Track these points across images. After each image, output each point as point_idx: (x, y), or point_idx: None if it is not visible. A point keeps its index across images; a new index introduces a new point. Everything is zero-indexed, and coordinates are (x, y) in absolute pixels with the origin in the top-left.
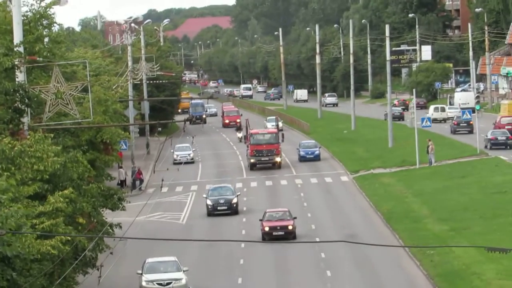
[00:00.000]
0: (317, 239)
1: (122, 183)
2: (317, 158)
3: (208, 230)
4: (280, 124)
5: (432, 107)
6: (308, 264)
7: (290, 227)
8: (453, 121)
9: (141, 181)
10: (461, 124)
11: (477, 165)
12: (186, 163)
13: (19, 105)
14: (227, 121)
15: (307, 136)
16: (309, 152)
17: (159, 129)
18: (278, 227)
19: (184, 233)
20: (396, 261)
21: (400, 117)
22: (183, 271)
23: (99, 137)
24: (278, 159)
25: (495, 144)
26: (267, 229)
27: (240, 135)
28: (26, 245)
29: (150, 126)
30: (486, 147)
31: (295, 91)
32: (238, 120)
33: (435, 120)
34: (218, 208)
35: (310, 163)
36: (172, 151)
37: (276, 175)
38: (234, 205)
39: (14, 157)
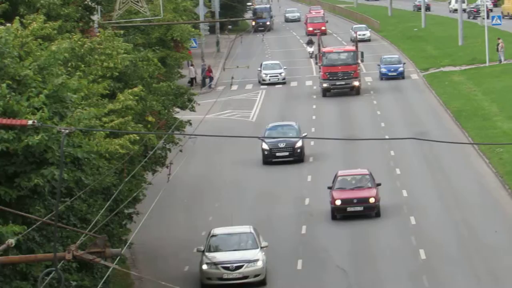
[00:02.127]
0: (387, 136)
1: (192, 80)
2: (400, 75)
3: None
4: (368, 33)
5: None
6: (378, 162)
7: (371, 200)
8: None
9: (211, 78)
10: None
11: None
12: (276, 83)
13: (90, 3)
14: (310, 28)
15: (378, 33)
16: (392, 69)
17: (230, 26)
18: (355, 200)
19: (254, 131)
20: (465, 159)
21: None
22: (261, 247)
23: (169, 35)
24: (356, 83)
25: None
26: (338, 202)
27: (311, 49)
28: (94, 144)
29: (220, 23)
30: None
31: None
32: (323, 28)
33: (506, 16)
34: (277, 154)
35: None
36: (259, 69)
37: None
38: (298, 150)
39: (84, 54)
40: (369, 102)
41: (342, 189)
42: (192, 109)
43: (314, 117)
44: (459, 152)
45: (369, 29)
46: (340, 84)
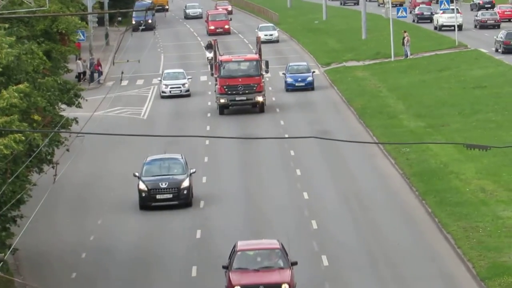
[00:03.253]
0: (286, 135)
1: (80, 75)
2: (309, 86)
3: (171, 126)
4: (275, 33)
5: None
6: (277, 163)
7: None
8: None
9: (100, 73)
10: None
11: (456, 58)
12: (178, 96)
13: None
14: (212, 27)
15: (277, 26)
16: (299, 79)
17: (119, 18)
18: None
19: (146, 129)
20: (369, 159)
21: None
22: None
23: (55, 27)
24: (260, 98)
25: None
26: None
27: (210, 55)
28: None
29: (109, 15)
30: (497, 50)
31: None
32: (226, 26)
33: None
34: (157, 196)
35: (277, 56)
36: (159, 79)
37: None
38: (185, 192)
39: None
40: (275, 120)
41: (243, 270)
42: (79, 106)
43: (207, 142)
44: (363, 152)
45: (277, 29)
46: (240, 99)
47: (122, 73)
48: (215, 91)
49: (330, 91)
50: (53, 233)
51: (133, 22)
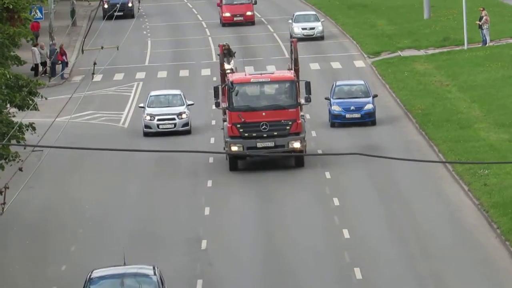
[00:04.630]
0: (319, 151)
1: (37, 67)
2: (369, 119)
3: (159, 136)
4: (319, 26)
5: None
6: (307, 189)
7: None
8: None
9: (64, 64)
10: None
11: None
12: (171, 133)
13: None
14: (227, 14)
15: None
16: (352, 107)
17: None
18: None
19: (126, 141)
20: (434, 185)
21: None
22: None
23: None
24: (297, 144)
25: None
26: None
27: (228, 66)
28: None
29: None
30: None
31: None
32: (249, 13)
33: None
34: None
35: (311, 42)
36: (141, 106)
37: (261, 58)
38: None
39: None
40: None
41: None
42: (35, 108)
43: (211, 160)
44: (425, 174)
45: (322, 19)
46: (265, 146)
47: (95, 64)
48: (222, 129)
49: (379, 91)
50: (1, 284)
51: (105, 5)
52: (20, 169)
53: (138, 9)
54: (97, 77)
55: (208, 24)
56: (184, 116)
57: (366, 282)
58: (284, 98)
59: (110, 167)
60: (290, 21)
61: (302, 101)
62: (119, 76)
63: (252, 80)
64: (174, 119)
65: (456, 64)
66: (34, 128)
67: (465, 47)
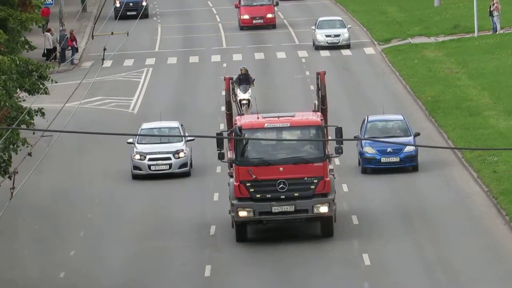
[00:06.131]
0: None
1: (49, 53)
2: (410, 164)
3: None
4: (346, 33)
5: None
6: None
7: None
8: None
9: (74, 50)
10: None
11: None
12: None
13: None
14: (246, 16)
15: None
16: (388, 150)
17: None
18: None
19: (136, 126)
20: (443, 172)
21: None
22: None
23: None
24: (324, 208)
25: None
26: None
27: (245, 95)
28: None
29: None
30: None
31: None
32: (269, 15)
33: None
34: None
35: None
36: (130, 141)
37: (272, 44)
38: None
39: None
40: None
41: None
42: (46, 92)
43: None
44: (434, 161)
45: (349, 25)
46: (283, 210)
47: (105, 50)
48: (228, 184)
49: (389, 78)
50: (10, 267)
51: (116, 4)
52: (29, 154)
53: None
54: (107, 63)
55: (219, 11)
56: (182, 154)
57: (374, 267)
58: (308, 149)
59: (119, 152)
60: (313, 27)
61: (331, 152)
62: (129, 62)
63: (266, 125)
64: (169, 158)
65: (466, 51)
66: (43, 114)
67: (475, 34)
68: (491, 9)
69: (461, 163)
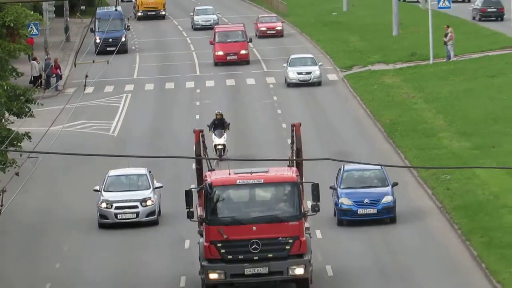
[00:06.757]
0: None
1: (35, 80)
2: (388, 215)
3: (147, 144)
4: (317, 71)
5: None
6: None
7: None
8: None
9: (58, 77)
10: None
11: None
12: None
13: None
14: (220, 52)
15: (284, 18)
16: (366, 200)
17: (82, 7)
18: None
19: (116, 148)
20: (400, 189)
21: None
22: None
23: (0, 18)
24: (300, 270)
25: None
26: None
27: (219, 140)
28: None
29: (70, 3)
30: None
31: None
32: (243, 52)
33: None
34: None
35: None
36: (97, 189)
37: (241, 72)
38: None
39: None
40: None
41: None
42: (32, 115)
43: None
44: (391, 179)
45: (320, 63)
46: (255, 272)
47: (87, 77)
48: (198, 243)
49: (350, 102)
50: None
51: (96, 40)
52: (17, 174)
53: (127, 27)
54: (89, 89)
55: (192, 41)
56: (149, 202)
57: (336, 278)
58: (283, 207)
59: (100, 173)
60: (285, 65)
61: (307, 210)
62: (109, 88)
63: (238, 181)
64: (136, 207)
65: (422, 77)
66: (29, 137)
67: (431, 61)
68: (446, 38)
69: (417, 181)
